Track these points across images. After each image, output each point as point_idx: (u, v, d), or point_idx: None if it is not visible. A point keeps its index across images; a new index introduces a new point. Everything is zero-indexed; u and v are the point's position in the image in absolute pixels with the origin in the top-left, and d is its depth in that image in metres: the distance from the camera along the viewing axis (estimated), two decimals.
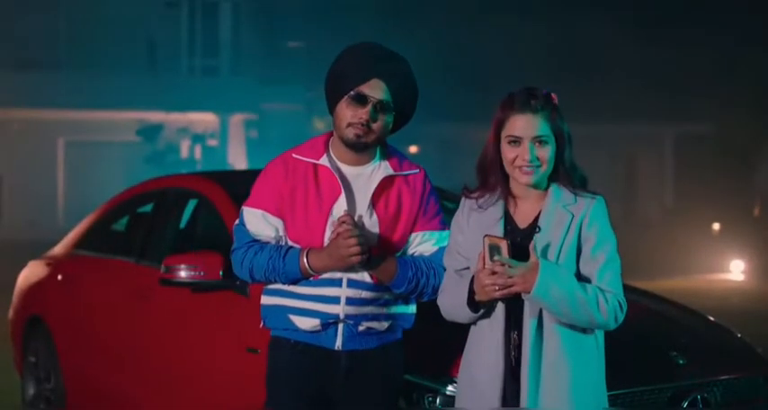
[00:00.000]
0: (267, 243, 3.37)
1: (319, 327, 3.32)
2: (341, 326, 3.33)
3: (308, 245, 3.31)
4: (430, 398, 3.63)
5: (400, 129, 3.46)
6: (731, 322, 4.98)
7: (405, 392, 3.64)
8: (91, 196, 16.14)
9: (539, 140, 3.01)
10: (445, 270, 3.26)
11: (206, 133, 23.29)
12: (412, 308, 3.47)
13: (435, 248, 3.39)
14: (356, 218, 3.28)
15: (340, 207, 3.30)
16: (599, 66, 21.18)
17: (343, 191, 3.31)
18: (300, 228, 3.33)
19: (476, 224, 3.10)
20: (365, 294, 3.32)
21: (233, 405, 4.24)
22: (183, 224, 5.37)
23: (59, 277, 5.96)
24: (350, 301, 3.31)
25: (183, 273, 4.35)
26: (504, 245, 2.92)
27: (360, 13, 20.80)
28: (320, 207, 3.31)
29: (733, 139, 20.88)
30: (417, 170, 3.44)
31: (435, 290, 3.34)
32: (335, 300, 3.31)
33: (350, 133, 3.29)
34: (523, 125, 3.01)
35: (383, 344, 3.40)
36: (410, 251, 3.41)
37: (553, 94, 3.05)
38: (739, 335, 4.49)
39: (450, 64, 21.28)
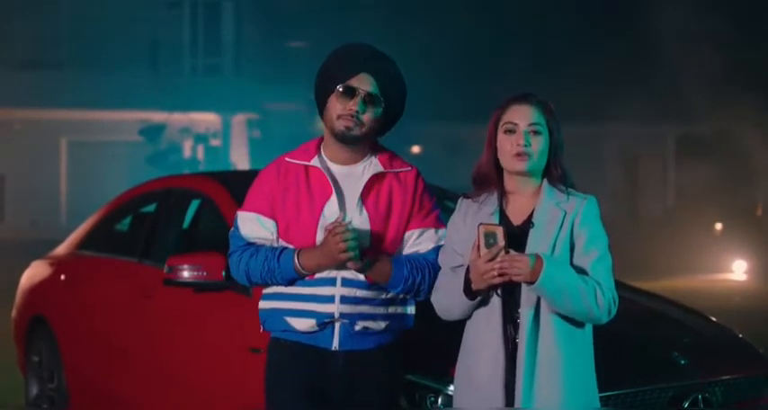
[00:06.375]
0: (262, 245, 3.38)
1: (315, 327, 3.33)
2: (337, 326, 3.33)
3: (299, 246, 3.33)
4: (432, 398, 3.64)
5: (390, 130, 3.47)
6: (733, 322, 4.98)
7: (407, 392, 3.66)
8: (93, 196, 16.13)
9: (533, 129, 3.16)
10: (440, 268, 3.29)
11: (208, 133, 23.28)
12: (410, 309, 3.45)
13: (432, 246, 3.38)
14: (347, 217, 3.29)
15: (331, 207, 3.32)
16: (600, 65, 21.15)
17: (333, 191, 3.33)
18: (292, 230, 3.35)
19: (471, 219, 3.21)
20: (360, 293, 3.32)
21: (236, 405, 4.25)
22: (186, 224, 5.39)
23: (62, 277, 5.97)
24: (344, 300, 3.31)
25: (185, 273, 4.37)
26: (499, 232, 3.01)
27: (362, 12, 20.79)
28: (312, 208, 3.34)
29: (734, 139, 20.85)
30: (409, 168, 3.44)
31: (431, 288, 3.33)
32: (330, 299, 3.31)
33: (340, 125, 3.32)
34: (520, 113, 3.18)
35: (381, 345, 3.38)
36: (407, 250, 3.40)
37: (550, 103, 3.22)
38: (741, 335, 4.50)
39: (452, 64, 21.26)
